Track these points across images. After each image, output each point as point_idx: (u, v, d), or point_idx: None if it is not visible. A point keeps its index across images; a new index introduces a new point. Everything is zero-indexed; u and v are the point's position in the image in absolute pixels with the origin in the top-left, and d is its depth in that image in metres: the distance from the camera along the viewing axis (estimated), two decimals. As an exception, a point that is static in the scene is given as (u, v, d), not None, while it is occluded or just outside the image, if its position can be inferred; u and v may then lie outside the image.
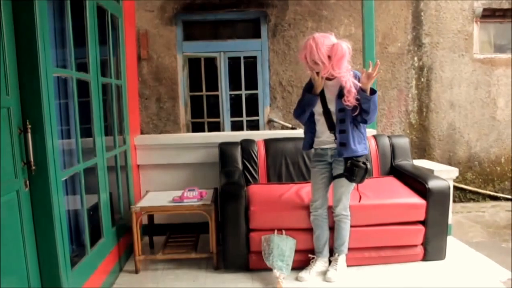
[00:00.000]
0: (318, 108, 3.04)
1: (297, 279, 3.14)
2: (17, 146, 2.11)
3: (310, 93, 3.01)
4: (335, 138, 3.02)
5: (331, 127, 3.02)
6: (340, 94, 2.94)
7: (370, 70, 2.83)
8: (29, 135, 2.15)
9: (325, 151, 3.11)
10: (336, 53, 2.84)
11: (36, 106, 2.17)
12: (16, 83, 2.12)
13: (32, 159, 2.17)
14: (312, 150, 3.21)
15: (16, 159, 2.10)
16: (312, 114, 3.10)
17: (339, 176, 3.07)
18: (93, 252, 2.86)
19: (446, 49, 6.20)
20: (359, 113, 2.92)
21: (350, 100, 2.88)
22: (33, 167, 2.18)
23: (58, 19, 2.75)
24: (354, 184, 3.09)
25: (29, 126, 2.15)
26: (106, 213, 3.17)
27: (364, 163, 2.96)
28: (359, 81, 2.93)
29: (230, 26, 6.28)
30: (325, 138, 3.08)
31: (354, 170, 2.94)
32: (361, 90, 2.87)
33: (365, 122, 2.99)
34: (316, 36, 2.89)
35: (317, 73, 2.94)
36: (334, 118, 2.99)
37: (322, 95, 3.02)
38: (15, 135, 2.09)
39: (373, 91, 2.88)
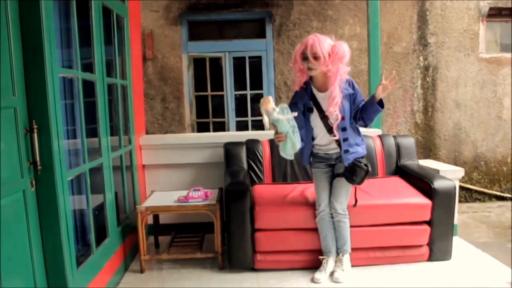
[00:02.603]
0: (315, 117, 3.04)
1: (312, 280, 3.13)
2: (23, 146, 2.12)
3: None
4: (337, 142, 3.04)
5: (330, 130, 3.02)
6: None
7: (385, 81, 2.84)
8: (35, 135, 2.16)
9: (329, 155, 3.13)
10: (337, 52, 2.85)
11: (42, 106, 2.18)
12: (22, 83, 2.13)
13: (38, 159, 2.18)
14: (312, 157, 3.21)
15: (22, 159, 2.11)
16: (308, 119, 3.08)
17: (340, 175, 3.08)
18: (98, 252, 2.87)
19: (451, 48, 6.18)
20: (362, 118, 2.99)
21: (333, 108, 2.92)
22: (39, 167, 2.19)
23: (64, 19, 2.76)
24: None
25: (35, 126, 2.16)
26: (111, 213, 3.18)
27: (366, 164, 3.00)
28: (353, 88, 2.99)
29: (235, 26, 6.29)
30: (328, 146, 3.09)
31: (356, 170, 2.98)
32: (373, 100, 2.89)
33: (365, 126, 3.07)
34: (317, 34, 2.93)
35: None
36: (335, 127, 3.00)
37: (316, 103, 3.02)
38: (21, 135, 2.10)
39: (382, 104, 2.90)
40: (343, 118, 2.97)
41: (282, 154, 2.85)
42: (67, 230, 2.36)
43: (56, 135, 2.26)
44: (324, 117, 3.01)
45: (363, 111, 2.96)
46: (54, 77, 2.27)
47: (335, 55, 2.85)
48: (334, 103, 2.91)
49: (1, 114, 1.97)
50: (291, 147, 2.76)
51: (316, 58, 2.86)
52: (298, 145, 2.77)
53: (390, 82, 2.84)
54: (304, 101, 3.03)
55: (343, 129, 3.00)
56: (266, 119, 2.65)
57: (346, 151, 3.01)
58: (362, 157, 3.05)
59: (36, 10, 2.12)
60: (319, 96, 3.02)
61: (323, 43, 2.86)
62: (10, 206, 2.00)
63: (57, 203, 2.26)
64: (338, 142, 3.03)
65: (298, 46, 2.97)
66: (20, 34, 2.11)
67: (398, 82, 6.16)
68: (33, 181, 2.20)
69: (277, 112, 2.64)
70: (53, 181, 2.24)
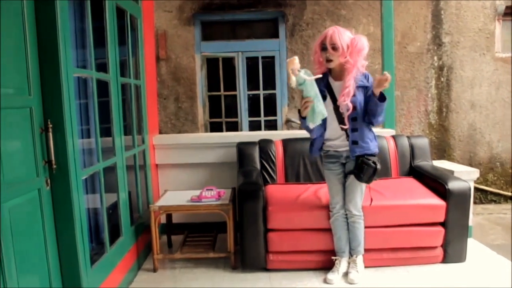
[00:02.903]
0: (327, 106, 2.99)
1: (325, 281, 3.12)
2: (38, 146, 2.14)
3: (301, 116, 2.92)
4: (347, 137, 3.00)
5: (341, 122, 2.99)
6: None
7: (383, 76, 2.78)
8: (50, 134, 2.19)
9: (339, 153, 3.08)
10: (356, 45, 2.87)
11: (57, 106, 2.20)
12: (38, 83, 2.15)
13: (53, 158, 2.20)
14: (322, 152, 3.16)
15: (38, 158, 2.13)
16: None
17: (349, 172, 3.05)
18: (112, 250, 2.89)
19: (466, 48, 6.12)
20: (367, 114, 2.94)
21: (344, 98, 2.90)
22: (54, 166, 2.22)
23: (78, 20, 2.79)
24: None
25: (50, 125, 2.19)
26: (125, 212, 3.20)
27: (374, 162, 2.94)
28: (367, 81, 2.98)
29: (248, 26, 6.29)
30: (337, 140, 3.05)
31: (363, 168, 2.93)
32: (372, 93, 2.86)
33: (371, 123, 2.99)
34: (337, 26, 2.95)
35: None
36: (346, 117, 2.96)
37: (331, 92, 3.00)
38: (36, 135, 2.12)
39: (383, 98, 2.84)
40: (354, 109, 2.94)
41: (310, 123, 2.82)
42: (81, 228, 2.38)
43: (70, 134, 2.28)
44: (337, 108, 2.99)
45: (367, 105, 2.94)
46: (69, 77, 2.29)
47: (354, 47, 2.86)
48: (346, 92, 2.89)
49: (18, 114, 2.01)
50: (320, 113, 2.76)
51: (334, 48, 2.87)
52: (325, 111, 2.78)
53: (383, 81, 2.76)
54: (319, 88, 2.95)
55: (354, 119, 2.96)
56: (293, 79, 2.68)
57: (354, 143, 2.97)
58: (372, 155, 2.99)
59: (51, 10, 2.14)
60: (335, 85, 3.00)
61: (343, 34, 2.88)
62: (26, 205, 2.03)
63: (72, 202, 2.28)
64: (348, 136, 3.01)
65: (317, 38, 3.00)
66: (36, 34, 2.14)
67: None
68: (48, 180, 2.22)
69: (302, 73, 2.68)
70: (68, 180, 2.26)
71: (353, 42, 2.87)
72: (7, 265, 1.84)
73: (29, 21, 2.07)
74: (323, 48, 2.91)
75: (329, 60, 2.91)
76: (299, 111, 2.93)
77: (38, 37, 2.14)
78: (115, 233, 3.07)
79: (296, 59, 2.68)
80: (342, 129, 2.99)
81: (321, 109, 2.76)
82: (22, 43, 2.03)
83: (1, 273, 1.81)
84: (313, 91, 2.73)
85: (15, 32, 1.99)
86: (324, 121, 2.98)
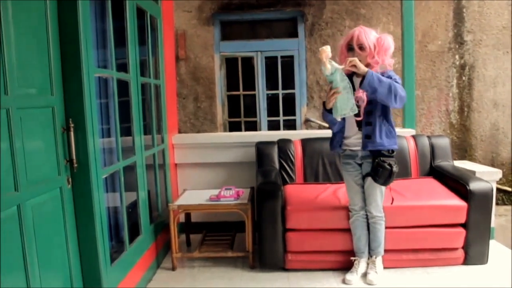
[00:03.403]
0: None
1: (344, 282, 3.10)
2: (60, 144, 2.17)
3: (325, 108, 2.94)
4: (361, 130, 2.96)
5: (358, 115, 2.93)
6: None
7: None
8: (72, 133, 2.21)
9: (354, 152, 3.05)
10: (383, 44, 2.86)
11: (78, 105, 2.23)
12: (60, 83, 2.18)
13: (74, 157, 2.24)
14: (340, 152, 3.13)
15: (60, 157, 2.16)
16: None
17: (367, 175, 3.02)
18: (131, 249, 2.91)
19: (489, 46, 6.01)
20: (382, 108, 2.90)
21: (360, 94, 2.87)
22: (75, 165, 2.25)
23: (99, 20, 2.82)
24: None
25: (72, 125, 2.21)
26: (144, 211, 3.23)
27: (390, 164, 2.87)
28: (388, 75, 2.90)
29: (267, 25, 6.29)
30: (354, 137, 3.01)
31: (378, 171, 2.89)
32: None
33: (389, 105, 2.87)
34: (362, 26, 2.94)
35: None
36: (362, 110, 2.91)
37: (352, 85, 2.96)
38: (58, 134, 2.16)
39: (363, 77, 2.74)
40: (370, 102, 2.89)
41: (336, 114, 2.81)
42: (102, 226, 2.41)
43: (91, 133, 2.31)
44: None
45: None
46: (90, 77, 2.32)
47: (381, 46, 2.85)
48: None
49: (40, 113, 2.04)
50: (348, 106, 2.75)
51: (362, 48, 2.85)
52: (355, 107, 2.76)
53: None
54: None
55: (369, 113, 2.90)
56: (329, 66, 2.70)
57: (367, 137, 2.91)
58: (388, 153, 2.92)
59: (73, 11, 2.17)
60: (356, 81, 2.95)
61: (369, 34, 2.86)
62: (48, 203, 2.06)
63: (92, 200, 2.31)
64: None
65: (342, 39, 2.98)
66: (59, 34, 2.17)
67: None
68: (70, 179, 2.25)
69: (334, 63, 2.71)
70: (89, 178, 2.29)
71: (379, 41, 2.86)
72: (30, 263, 1.87)
73: (52, 22, 2.10)
74: (350, 48, 2.89)
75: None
76: (323, 103, 2.93)
77: (60, 37, 2.17)
78: (134, 232, 3.10)
79: (328, 47, 2.68)
80: (357, 121, 2.96)
81: (352, 103, 2.75)
82: (45, 43, 2.07)
83: (24, 271, 1.84)
84: (342, 82, 2.73)
85: (38, 32, 2.03)
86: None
